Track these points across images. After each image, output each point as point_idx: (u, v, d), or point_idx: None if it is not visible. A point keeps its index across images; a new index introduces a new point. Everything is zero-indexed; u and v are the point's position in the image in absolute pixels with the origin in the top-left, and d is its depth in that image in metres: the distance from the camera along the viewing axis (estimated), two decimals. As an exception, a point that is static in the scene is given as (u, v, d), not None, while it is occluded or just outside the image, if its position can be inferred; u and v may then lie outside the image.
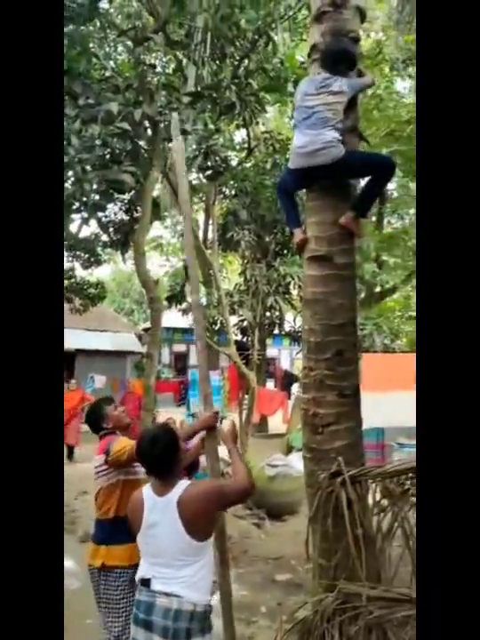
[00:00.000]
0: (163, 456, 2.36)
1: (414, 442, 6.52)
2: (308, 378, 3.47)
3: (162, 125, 5.66)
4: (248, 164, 10.37)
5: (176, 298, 10.19)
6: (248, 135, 9.38)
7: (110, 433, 3.22)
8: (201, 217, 11.96)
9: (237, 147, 10.82)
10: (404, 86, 11.81)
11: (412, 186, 12.89)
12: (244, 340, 10.96)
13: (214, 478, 2.83)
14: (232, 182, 9.14)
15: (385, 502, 3.46)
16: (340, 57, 3.26)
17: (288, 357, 22.26)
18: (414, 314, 15.33)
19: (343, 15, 3.43)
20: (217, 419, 2.95)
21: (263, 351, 11.52)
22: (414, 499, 3.46)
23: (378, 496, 3.48)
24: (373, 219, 13.47)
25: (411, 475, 3.40)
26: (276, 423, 11.33)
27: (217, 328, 10.36)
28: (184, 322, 12.61)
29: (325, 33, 3.44)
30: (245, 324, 10.17)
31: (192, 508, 2.26)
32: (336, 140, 3.08)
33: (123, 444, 2.98)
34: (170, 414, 9.98)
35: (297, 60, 7.69)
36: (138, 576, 2.40)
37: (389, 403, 8.29)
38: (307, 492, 3.52)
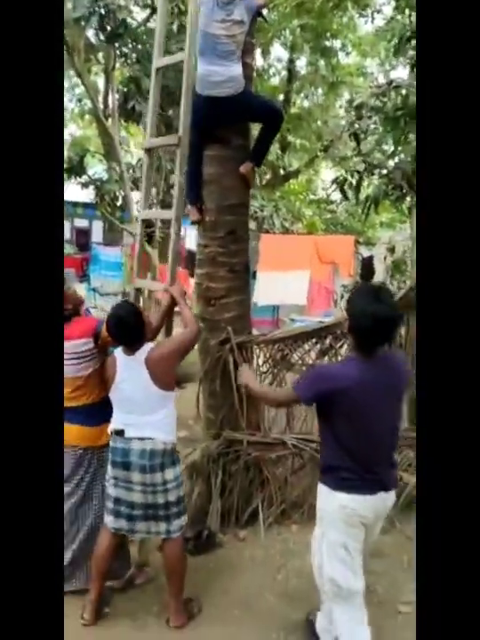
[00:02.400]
0: (130, 332, 2.71)
1: (305, 317, 7.14)
2: (203, 254, 3.72)
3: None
4: (152, 25, 9.62)
5: (74, 170, 9.68)
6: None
7: (73, 314, 3.00)
8: (100, 82, 11.15)
9: (140, 3, 9.90)
10: None
11: (321, 63, 12.65)
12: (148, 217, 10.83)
13: (172, 337, 3.12)
14: (134, 45, 8.49)
15: (266, 366, 3.96)
16: None
17: (193, 237, 22.22)
18: (315, 198, 15.75)
19: None
20: (184, 290, 3.19)
21: (168, 229, 11.50)
22: (292, 362, 3.98)
23: (261, 361, 3.96)
24: (280, 97, 13.22)
25: (289, 342, 3.88)
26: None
27: (119, 204, 10.15)
28: (87, 196, 12.13)
29: None
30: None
31: (158, 363, 2.67)
32: (239, 74, 3.29)
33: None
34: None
35: None
36: (111, 427, 2.76)
37: (284, 281, 8.85)
38: (200, 358, 3.89)
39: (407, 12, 4.75)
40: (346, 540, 2.27)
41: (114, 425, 2.77)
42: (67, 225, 20.55)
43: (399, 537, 3.61)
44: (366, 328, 2.15)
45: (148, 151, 3.50)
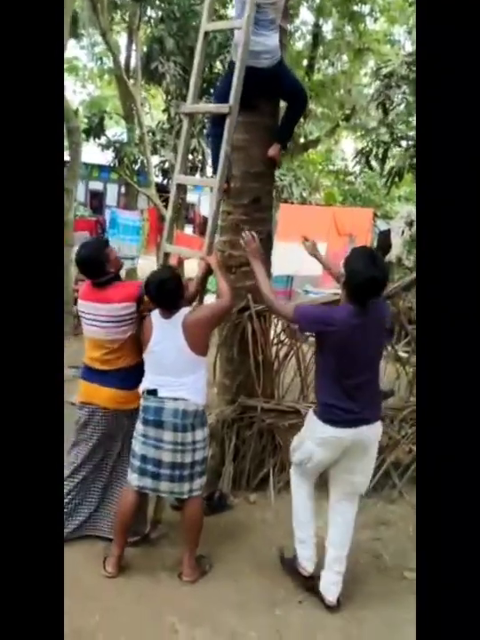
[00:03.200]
0: (170, 296, 2.79)
1: (319, 289, 7.11)
2: (226, 221, 3.72)
3: None
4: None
5: (94, 131, 9.57)
6: None
7: (114, 278, 3.00)
8: (123, 41, 10.94)
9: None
10: None
11: (348, 29, 12.31)
12: (165, 182, 10.77)
13: (207, 304, 3.14)
14: (159, 3, 8.28)
15: (283, 336, 3.99)
16: None
17: (207, 204, 21.99)
18: (334, 168, 15.53)
19: None
20: (217, 259, 3.19)
21: (184, 195, 11.46)
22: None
23: (279, 330, 4.00)
24: (304, 63, 12.91)
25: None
26: (193, 267, 11.69)
27: (137, 168, 10.07)
28: (102, 158, 12.03)
29: None
30: (167, 165, 9.91)
31: (193, 328, 2.78)
32: (277, 45, 3.25)
33: None
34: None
35: None
36: (143, 387, 2.84)
37: (300, 252, 8.77)
38: (218, 324, 3.92)
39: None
40: (317, 453, 2.74)
41: (146, 385, 2.84)
42: (81, 187, 20.44)
43: (406, 507, 3.70)
44: (360, 285, 2.56)
45: (189, 116, 3.44)
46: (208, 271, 3.11)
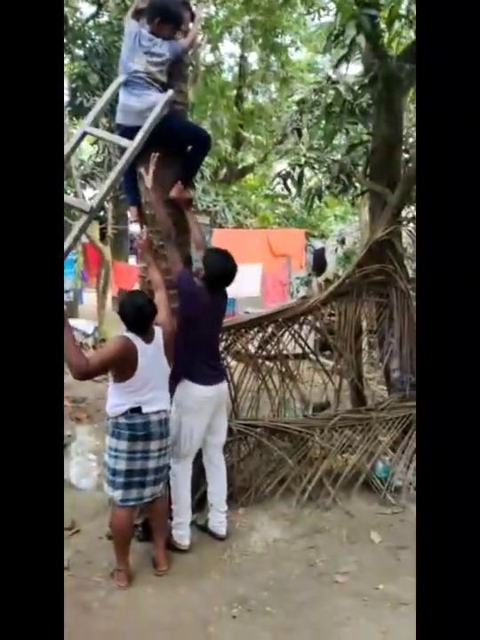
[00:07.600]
0: (149, 321, 3.00)
1: (259, 311, 7.20)
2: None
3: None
4: (100, 20, 9.56)
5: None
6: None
7: None
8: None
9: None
10: None
11: (272, 59, 12.80)
12: (100, 213, 10.78)
13: (166, 319, 3.21)
14: (81, 42, 8.41)
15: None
16: (165, 17, 3.26)
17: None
18: (269, 193, 15.91)
19: None
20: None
21: (124, 227, 11.48)
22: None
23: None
24: (233, 92, 13.31)
25: (232, 331, 4.01)
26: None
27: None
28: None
29: None
30: (101, 197, 9.94)
31: (168, 345, 3.10)
32: (157, 102, 3.26)
33: None
34: None
35: None
36: (125, 408, 2.97)
37: (239, 276, 8.94)
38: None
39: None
40: (197, 424, 3.28)
41: (130, 405, 2.97)
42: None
43: (340, 513, 3.80)
44: (215, 276, 3.28)
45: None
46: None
